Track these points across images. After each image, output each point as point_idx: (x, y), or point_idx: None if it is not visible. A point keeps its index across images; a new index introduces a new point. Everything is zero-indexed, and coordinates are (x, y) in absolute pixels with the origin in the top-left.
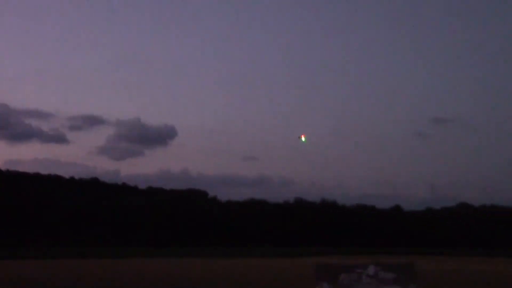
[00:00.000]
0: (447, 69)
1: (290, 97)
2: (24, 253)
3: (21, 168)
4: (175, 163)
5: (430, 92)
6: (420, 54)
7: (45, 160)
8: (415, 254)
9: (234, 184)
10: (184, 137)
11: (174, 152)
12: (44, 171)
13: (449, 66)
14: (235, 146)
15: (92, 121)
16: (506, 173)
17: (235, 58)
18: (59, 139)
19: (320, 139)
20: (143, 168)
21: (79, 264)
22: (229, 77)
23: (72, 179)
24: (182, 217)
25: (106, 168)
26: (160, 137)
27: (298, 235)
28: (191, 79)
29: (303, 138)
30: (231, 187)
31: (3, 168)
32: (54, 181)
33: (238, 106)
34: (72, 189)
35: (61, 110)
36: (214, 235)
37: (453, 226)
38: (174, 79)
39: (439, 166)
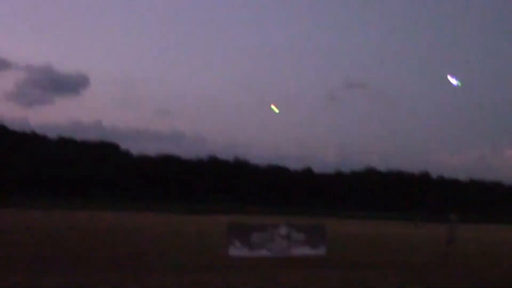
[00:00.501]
0: (363, 34)
1: (207, 52)
2: None
3: None
4: (87, 114)
5: (344, 57)
6: (338, 18)
7: None
8: (324, 216)
9: (148, 138)
10: (97, 87)
11: (87, 102)
12: None
13: (366, 31)
14: (150, 100)
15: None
16: (413, 139)
17: (152, 5)
18: None
19: (234, 95)
20: (53, 117)
21: None
22: (146, 26)
23: None
24: (92, 170)
25: (13, 115)
26: (72, 85)
27: (210, 193)
28: (107, 26)
29: (275, 109)
30: (144, 141)
31: None
32: None
33: (154, 59)
34: None
35: None
36: (124, 190)
37: (361, 190)
38: (89, 25)
39: (349, 130)
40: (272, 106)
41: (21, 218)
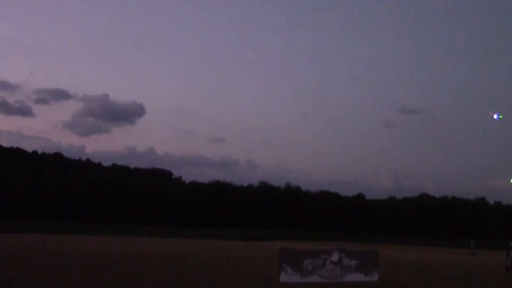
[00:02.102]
0: (417, 61)
1: (259, 80)
2: None
3: None
4: (141, 142)
5: (398, 83)
6: (392, 44)
7: (7, 132)
8: (377, 242)
9: (200, 166)
10: (152, 115)
11: (141, 130)
12: (6, 143)
13: (420, 58)
14: (203, 127)
15: (59, 95)
16: (467, 166)
17: (206, 38)
18: (24, 111)
19: (287, 123)
20: (108, 145)
21: (37, 238)
22: (199, 58)
23: (34, 153)
24: (145, 196)
25: (71, 143)
26: (127, 114)
27: (261, 219)
28: (162, 57)
29: (496, 116)
30: (196, 168)
31: None
32: (16, 154)
33: (207, 87)
34: (34, 163)
35: (28, 82)
36: (177, 216)
37: (414, 216)
38: (145, 56)
39: (403, 156)
40: (494, 115)
41: (79, 243)
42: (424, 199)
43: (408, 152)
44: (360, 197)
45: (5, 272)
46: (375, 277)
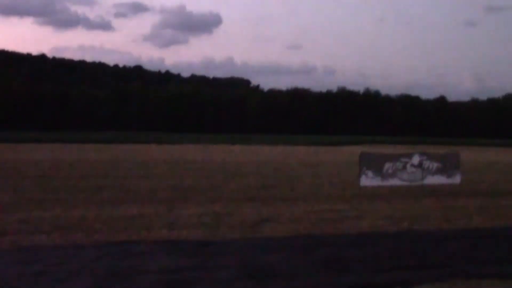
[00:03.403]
0: None
1: None
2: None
3: (67, 55)
4: (219, 51)
5: None
6: None
7: (90, 47)
8: (459, 145)
9: (278, 73)
10: (229, 25)
11: (219, 40)
12: (89, 58)
13: None
14: (280, 34)
15: (137, 8)
16: None
17: None
18: (104, 26)
19: (365, 27)
20: (187, 56)
21: (129, 148)
22: None
23: (116, 66)
24: (225, 105)
25: (150, 55)
26: (205, 24)
27: (341, 125)
28: None
29: None
30: (274, 76)
31: (50, 55)
32: (98, 67)
33: None
34: (116, 76)
35: None
36: (256, 124)
37: (498, 117)
38: None
39: (487, 57)
40: None
41: (162, 152)
42: (509, 99)
43: (493, 52)
44: (442, 99)
45: (95, 180)
46: (457, 179)
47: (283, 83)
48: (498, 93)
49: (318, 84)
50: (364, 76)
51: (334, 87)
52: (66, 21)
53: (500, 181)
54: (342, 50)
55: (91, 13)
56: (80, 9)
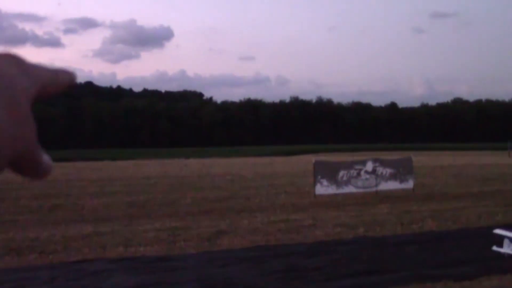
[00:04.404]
0: None
1: None
2: None
3: None
4: (171, 65)
5: None
6: None
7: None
8: (411, 150)
9: (231, 84)
10: (180, 38)
11: (171, 53)
12: None
13: None
14: (232, 46)
15: (87, 24)
16: (501, 68)
17: None
18: (53, 43)
19: (316, 36)
20: (139, 70)
21: (75, 166)
22: None
23: None
24: (177, 118)
25: (101, 71)
26: (156, 38)
27: (294, 134)
28: None
29: None
30: (228, 87)
31: None
32: None
33: (234, 5)
34: (67, 93)
35: (55, 13)
36: (210, 136)
37: (448, 121)
38: None
39: (435, 62)
40: None
41: (115, 169)
42: (457, 103)
43: (441, 58)
44: (393, 105)
45: (49, 199)
46: (410, 184)
47: (236, 95)
48: (447, 97)
49: (271, 94)
50: (316, 85)
51: (287, 97)
52: (14, 39)
53: (452, 185)
54: (294, 60)
55: (39, 30)
56: (28, 26)
